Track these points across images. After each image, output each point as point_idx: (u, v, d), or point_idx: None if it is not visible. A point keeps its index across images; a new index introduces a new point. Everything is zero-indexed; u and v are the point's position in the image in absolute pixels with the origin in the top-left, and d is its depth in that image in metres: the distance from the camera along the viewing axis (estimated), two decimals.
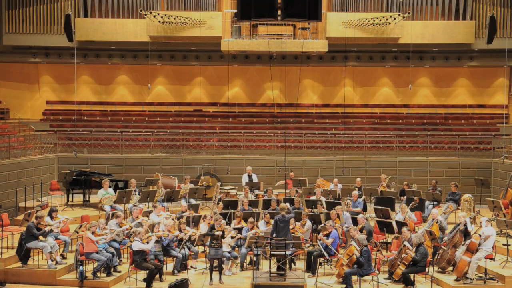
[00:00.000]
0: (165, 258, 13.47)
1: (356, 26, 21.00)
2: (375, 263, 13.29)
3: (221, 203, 16.14)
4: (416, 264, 12.48)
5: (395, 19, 20.79)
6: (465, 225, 13.13)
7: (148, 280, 12.54)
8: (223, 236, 13.29)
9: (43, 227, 13.34)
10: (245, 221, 14.49)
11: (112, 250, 13.27)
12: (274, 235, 12.98)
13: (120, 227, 14.00)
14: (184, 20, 20.85)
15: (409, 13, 20.99)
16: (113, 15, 21.66)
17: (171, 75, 24.54)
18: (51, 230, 13.52)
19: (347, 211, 15.82)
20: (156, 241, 13.05)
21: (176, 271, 13.51)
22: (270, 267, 12.43)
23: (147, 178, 18.82)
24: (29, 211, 14.72)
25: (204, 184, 19.33)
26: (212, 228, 13.11)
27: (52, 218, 14.15)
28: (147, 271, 12.62)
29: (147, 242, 12.73)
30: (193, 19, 20.95)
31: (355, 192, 16.92)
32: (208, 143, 22.32)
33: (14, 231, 14.56)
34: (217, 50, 21.77)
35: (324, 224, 14.25)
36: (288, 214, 13.49)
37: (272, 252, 12.51)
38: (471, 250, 12.69)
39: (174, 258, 13.62)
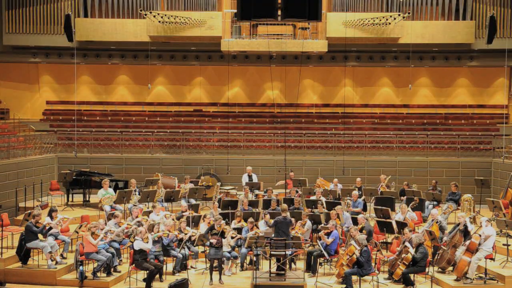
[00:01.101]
0: (165, 258, 13.46)
1: (356, 26, 21.00)
2: (375, 263, 13.29)
3: (216, 203, 16.12)
4: (416, 264, 12.49)
5: (395, 19, 20.78)
6: (465, 225, 13.13)
7: (148, 280, 12.53)
8: (224, 236, 13.29)
9: (41, 225, 13.33)
10: (245, 221, 14.49)
11: (112, 250, 13.27)
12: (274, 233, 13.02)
13: (119, 226, 14.00)
14: (184, 20, 20.85)
15: (409, 13, 20.99)
16: (113, 15, 21.65)
17: (171, 75, 24.53)
18: (50, 228, 13.52)
19: (347, 211, 15.82)
20: (156, 241, 13.06)
21: (176, 271, 13.51)
22: (270, 267, 12.43)
23: (147, 178, 18.81)
24: (29, 211, 14.70)
25: (204, 184, 19.31)
26: (212, 228, 13.12)
27: (52, 218, 14.14)
28: (147, 271, 12.61)
29: (147, 242, 12.73)
30: (193, 19, 20.94)
31: (355, 192, 16.92)
32: (208, 143, 22.31)
33: (14, 231, 14.56)
34: (217, 50, 21.77)
35: (325, 224, 14.25)
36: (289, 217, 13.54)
37: (272, 252, 12.51)
38: (471, 250, 12.69)
39: (174, 258, 13.62)
